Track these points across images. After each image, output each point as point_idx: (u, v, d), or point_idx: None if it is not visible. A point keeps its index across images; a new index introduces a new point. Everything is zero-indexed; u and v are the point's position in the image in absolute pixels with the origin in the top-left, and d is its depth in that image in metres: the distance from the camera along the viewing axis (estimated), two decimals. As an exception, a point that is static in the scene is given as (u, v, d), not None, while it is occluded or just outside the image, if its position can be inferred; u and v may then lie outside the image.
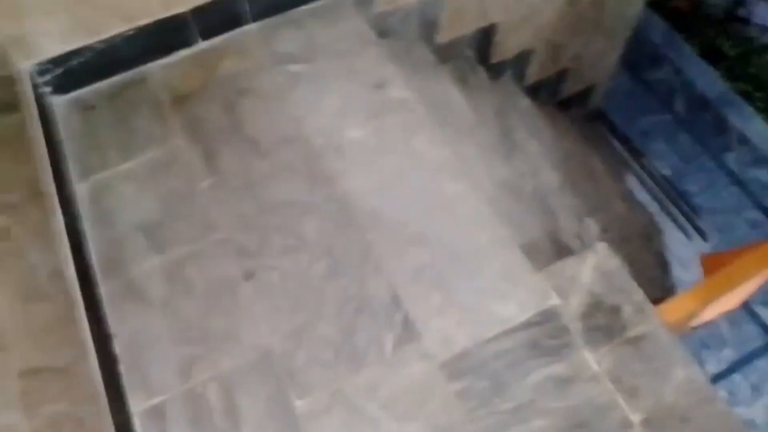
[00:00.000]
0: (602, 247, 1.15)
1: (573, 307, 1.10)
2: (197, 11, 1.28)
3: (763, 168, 2.89)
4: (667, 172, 2.89)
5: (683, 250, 2.40)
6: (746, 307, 2.53)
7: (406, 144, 1.26)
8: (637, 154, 2.90)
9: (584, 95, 2.58)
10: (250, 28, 1.38)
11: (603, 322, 1.09)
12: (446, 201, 1.20)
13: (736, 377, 2.52)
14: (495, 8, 1.78)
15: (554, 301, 1.09)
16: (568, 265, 1.14)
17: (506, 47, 1.95)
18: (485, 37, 1.86)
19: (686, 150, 2.95)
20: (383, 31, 1.59)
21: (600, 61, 2.43)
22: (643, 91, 3.08)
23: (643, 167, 2.82)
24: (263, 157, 1.22)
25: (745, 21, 3.03)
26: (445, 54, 1.77)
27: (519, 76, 2.11)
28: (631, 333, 1.08)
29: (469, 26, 1.80)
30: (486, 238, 1.16)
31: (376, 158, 1.24)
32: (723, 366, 2.52)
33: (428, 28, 1.69)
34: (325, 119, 1.28)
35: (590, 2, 2.03)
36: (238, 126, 1.26)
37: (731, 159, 2.91)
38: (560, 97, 2.43)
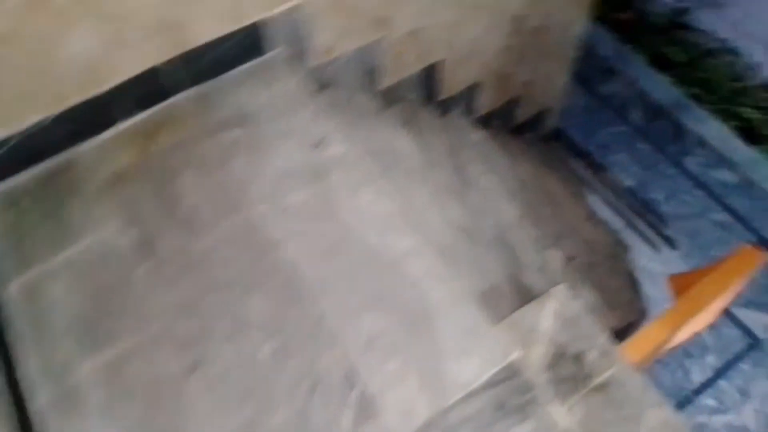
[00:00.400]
0: (561, 291, 1.12)
1: (536, 359, 1.06)
2: (122, 87, 1.24)
3: (723, 168, 2.91)
4: (630, 183, 2.90)
5: (652, 265, 2.39)
6: (725, 311, 2.52)
7: (351, 202, 1.23)
8: (598, 168, 2.91)
9: (538, 118, 2.59)
10: (183, 96, 1.34)
11: (568, 372, 1.05)
12: (397, 259, 1.16)
13: (722, 383, 2.49)
14: (437, 47, 1.76)
15: (516, 355, 1.05)
16: (527, 313, 1.11)
17: (452, 83, 1.94)
18: (430, 77, 1.85)
19: (647, 159, 2.97)
20: (322, 83, 1.56)
21: (550, 84, 2.43)
22: (598, 105, 3.11)
23: (605, 182, 2.83)
24: (202, 234, 1.17)
25: (690, 28, 3.08)
26: (390, 98, 1.75)
27: (469, 110, 2.09)
28: (598, 380, 1.05)
29: (411, 67, 1.78)
30: (441, 294, 1.12)
31: (320, 221, 1.20)
32: (708, 374, 2.50)
33: (369, 74, 1.67)
34: (266, 186, 1.23)
35: (533, 29, 2.03)
36: (175, 203, 1.21)
37: (692, 163, 2.93)
38: (514, 124, 2.43)
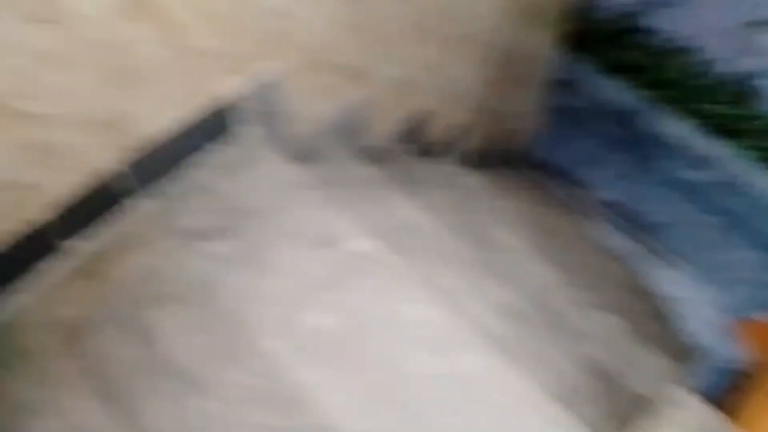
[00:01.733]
0: (690, 402, 0.86)
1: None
2: (62, 208, 0.92)
3: (699, 169, 2.79)
4: (620, 198, 2.74)
5: (678, 291, 2.15)
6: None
7: (392, 318, 0.94)
8: (582, 188, 2.74)
9: (524, 148, 2.38)
10: (141, 206, 1.02)
11: None
12: (473, 385, 0.88)
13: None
14: (419, 93, 1.53)
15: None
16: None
17: (439, 129, 1.70)
18: (417, 127, 1.59)
19: (622, 170, 2.83)
20: (304, 157, 1.28)
21: (530, 110, 2.23)
22: (563, 122, 2.94)
23: (596, 204, 2.64)
24: (203, 391, 0.86)
25: (641, 31, 2.97)
26: (377, 159, 1.49)
27: (459, 154, 1.85)
28: None
29: (396, 121, 1.53)
30: (537, 421, 0.84)
31: (357, 348, 0.90)
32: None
33: (354, 137, 1.40)
34: (272, 309, 0.94)
35: (506, 57, 1.82)
36: (158, 354, 0.89)
37: (667, 167, 2.81)
38: (503, 158, 2.20)
